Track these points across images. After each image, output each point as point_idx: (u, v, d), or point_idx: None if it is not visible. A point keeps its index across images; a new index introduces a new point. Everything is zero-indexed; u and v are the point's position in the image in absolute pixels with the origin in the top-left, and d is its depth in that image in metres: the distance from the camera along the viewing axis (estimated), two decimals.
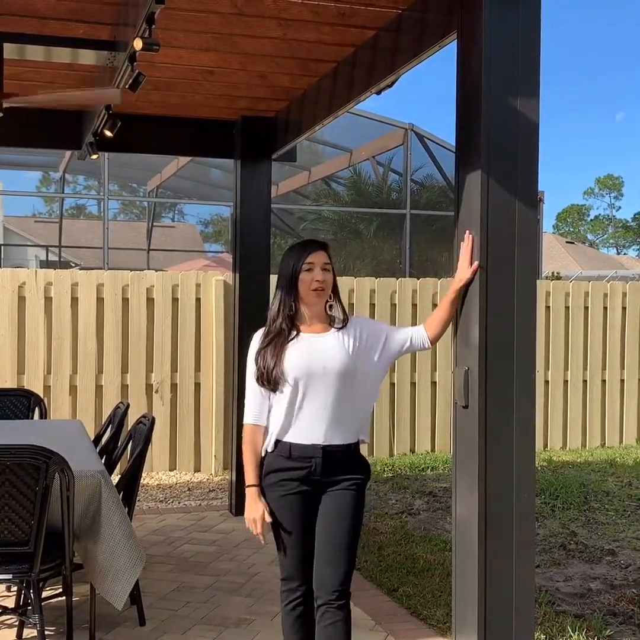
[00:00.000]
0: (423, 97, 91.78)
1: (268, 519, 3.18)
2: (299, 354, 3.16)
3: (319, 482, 3.17)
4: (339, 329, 3.24)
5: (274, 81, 5.47)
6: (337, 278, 3.31)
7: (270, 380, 3.16)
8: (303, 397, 3.15)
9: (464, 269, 3.33)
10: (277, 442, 3.19)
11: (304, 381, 3.14)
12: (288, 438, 3.17)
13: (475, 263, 3.29)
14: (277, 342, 3.19)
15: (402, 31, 4.22)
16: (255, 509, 3.19)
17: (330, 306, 3.24)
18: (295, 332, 3.21)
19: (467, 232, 3.33)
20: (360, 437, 3.26)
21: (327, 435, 3.15)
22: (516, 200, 3.29)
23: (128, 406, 5.30)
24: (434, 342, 3.36)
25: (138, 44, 3.59)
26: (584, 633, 4.21)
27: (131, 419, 5.39)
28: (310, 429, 3.15)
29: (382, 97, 4.77)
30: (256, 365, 3.21)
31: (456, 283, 3.37)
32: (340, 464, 3.17)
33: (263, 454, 3.23)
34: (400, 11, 4.17)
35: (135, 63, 3.90)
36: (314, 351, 3.17)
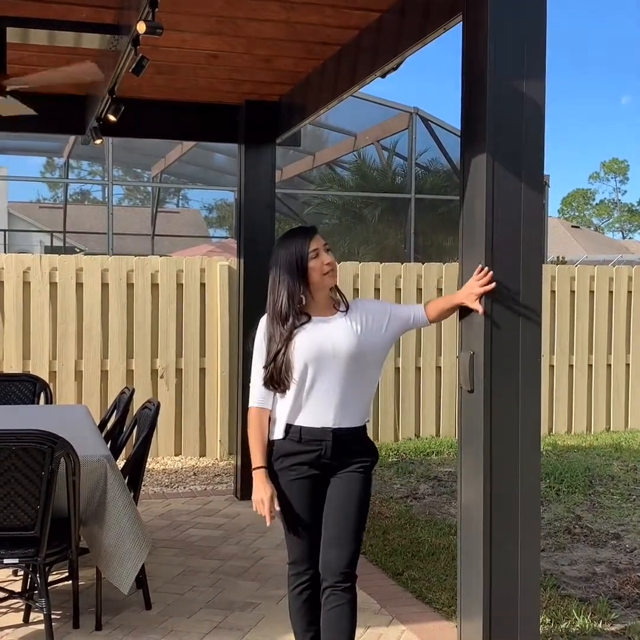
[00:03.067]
0: (428, 80, 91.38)
1: (276, 501, 3.17)
2: (310, 339, 3.15)
3: (329, 465, 3.18)
4: (344, 312, 3.24)
5: (278, 65, 5.44)
6: (342, 263, 3.32)
7: (279, 382, 3.14)
8: (313, 381, 3.15)
9: (471, 300, 3.29)
10: (288, 426, 3.17)
11: (314, 365, 3.13)
12: (298, 422, 3.17)
13: (482, 308, 3.26)
14: (284, 333, 3.15)
15: (406, 14, 4.19)
16: (263, 490, 3.17)
17: (334, 288, 3.26)
18: (305, 318, 3.19)
19: (481, 266, 3.27)
20: (366, 419, 3.27)
21: (337, 418, 3.16)
22: (522, 184, 3.28)
23: (133, 391, 5.31)
24: (433, 322, 3.42)
25: (141, 27, 3.57)
26: (589, 617, 4.22)
27: (136, 404, 5.40)
28: (320, 413, 3.15)
29: (386, 81, 4.75)
30: (264, 365, 3.18)
31: (457, 300, 3.36)
32: (349, 447, 3.19)
33: (271, 439, 3.22)
34: None
35: (138, 47, 3.88)
36: (324, 334, 3.17)
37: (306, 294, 3.19)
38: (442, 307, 3.42)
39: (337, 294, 3.29)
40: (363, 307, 3.29)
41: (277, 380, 3.15)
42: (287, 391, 3.16)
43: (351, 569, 3.18)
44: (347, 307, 3.26)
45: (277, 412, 3.21)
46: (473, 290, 3.29)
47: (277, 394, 3.20)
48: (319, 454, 3.16)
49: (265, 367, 3.17)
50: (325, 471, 3.19)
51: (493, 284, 3.25)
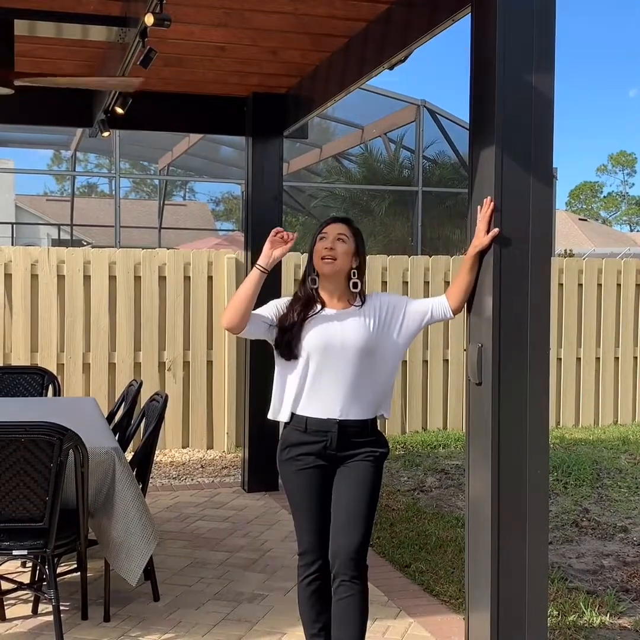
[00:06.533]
0: (436, 72, 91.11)
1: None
2: (318, 328, 3.17)
3: (335, 456, 3.19)
4: (360, 306, 3.24)
5: (285, 57, 5.43)
6: None
7: (289, 349, 3.18)
8: (317, 371, 3.16)
9: (480, 236, 3.25)
10: (293, 414, 3.21)
11: (319, 355, 3.15)
12: (304, 412, 3.19)
13: (495, 229, 3.22)
14: (304, 311, 3.20)
15: (415, 5, 4.18)
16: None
17: (354, 284, 3.24)
18: (319, 306, 3.22)
19: (489, 197, 3.25)
20: (380, 412, 3.27)
21: (343, 409, 3.16)
22: (531, 177, 3.27)
23: (141, 384, 5.31)
24: (456, 311, 3.35)
25: (149, 19, 3.56)
26: (596, 609, 4.22)
27: (144, 397, 5.41)
28: (327, 403, 3.16)
29: (394, 73, 4.74)
30: (279, 328, 3.22)
31: (472, 249, 3.30)
32: (356, 438, 3.19)
33: (275, 419, 3.26)
34: None
35: (146, 39, 3.86)
36: (333, 326, 3.18)
37: (318, 278, 3.23)
38: (458, 281, 3.34)
39: (353, 286, 3.25)
40: (379, 301, 3.28)
41: (286, 347, 3.19)
42: (294, 365, 3.18)
43: (360, 556, 3.17)
44: (364, 301, 3.25)
45: (284, 393, 3.23)
46: (479, 227, 3.24)
47: (286, 376, 3.22)
48: (325, 445, 3.17)
49: (277, 345, 3.22)
50: (332, 462, 3.20)
51: (493, 204, 3.20)
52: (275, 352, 3.26)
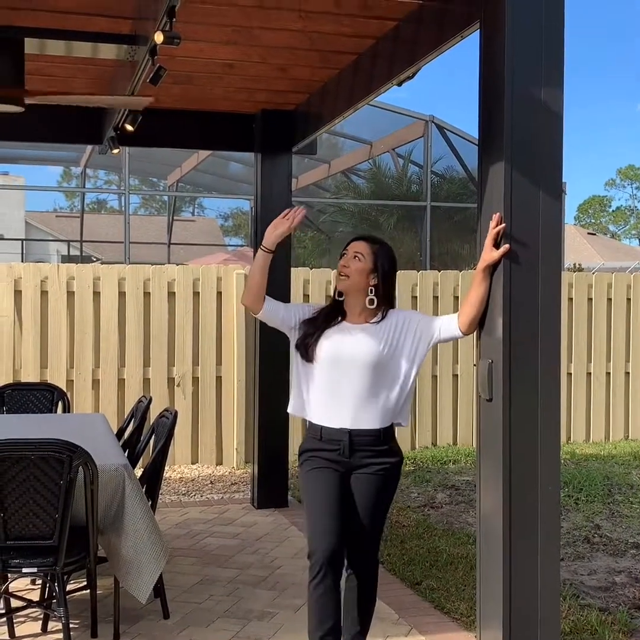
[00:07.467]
0: (444, 88, 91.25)
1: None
2: (333, 339, 3.33)
3: (348, 462, 3.34)
4: (377, 322, 3.35)
5: (294, 74, 5.45)
6: None
7: (306, 352, 3.34)
8: (331, 380, 3.32)
9: (487, 251, 3.23)
10: (310, 423, 3.41)
11: (331, 364, 3.31)
12: (319, 421, 3.36)
13: (506, 245, 3.20)
14: (326, 320, 3.37)
15: (423, 22, 4.19)
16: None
17: (370, 301, 3.35)
18: (340, 318, 3.37)
19: (497, 214, 3.23)
20: (396, 420, 3.40)
21: (355, 420, 3.32)
22: (540, 192, 3.27)
23: (150, 400, 5.31)
24: (466, 329, 3.34)
25: (159, 37, 3.58)
26: (608, 627, 4.18)
27: (153, 413, 5.40)
28: (339, 414, 3.32)
29: (402, 89, 4.75)
30: (299, 330, 3.39)
31: (480, 263, 3.29)
32: (367, 447, 3.33)
33: (304, 418, 3.49)
34: (421, 2, 4.13)
35: (156, 57, 3.89)
36: (347, 339, 3.32)
37: (341, 291, 3.40)
38: (468, 298, 3.33)
39: (369, 303, 3.36)
40: (395, 318, 3.39)
41: (304, 349, 3.36)
42: (310, 371, 3.35)
43: (372, 567, 3.46)
44: (382, 319, 3.37)
45: (301, 395, 3.43)
46: (486, 242, 3.23)
47: (304, 373, 3.38)
48: (338, 452, 3.33)
49: (297, 345, 3.39)
50: (345, 467, 3.35)
51: (503, 225, 3.19)
52: (294, 352, 3.41)
